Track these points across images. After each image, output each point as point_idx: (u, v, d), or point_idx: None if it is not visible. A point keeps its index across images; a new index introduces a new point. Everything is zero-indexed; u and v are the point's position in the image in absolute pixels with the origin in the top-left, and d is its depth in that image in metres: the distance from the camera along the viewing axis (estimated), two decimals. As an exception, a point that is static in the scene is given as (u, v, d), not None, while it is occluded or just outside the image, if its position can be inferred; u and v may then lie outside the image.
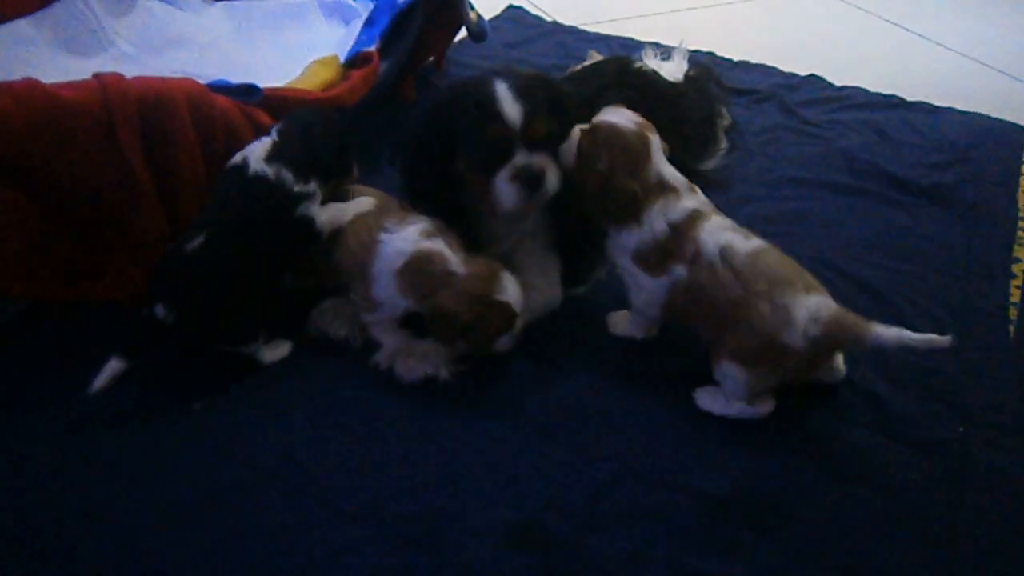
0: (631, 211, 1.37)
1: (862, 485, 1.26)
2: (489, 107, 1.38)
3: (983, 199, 1.98)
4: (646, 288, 1.41)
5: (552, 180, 1.41)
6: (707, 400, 1.37)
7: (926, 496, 1.25)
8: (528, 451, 1.29)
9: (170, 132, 1.40)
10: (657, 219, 1.36)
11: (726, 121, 2.18)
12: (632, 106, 1.77)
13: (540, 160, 1.40)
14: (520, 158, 1.39)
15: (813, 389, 1.41)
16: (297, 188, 1.38)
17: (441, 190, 1.47)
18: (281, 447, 1.28)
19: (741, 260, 1.31)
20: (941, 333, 1.53)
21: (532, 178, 1.39)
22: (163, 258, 1.36)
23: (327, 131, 1.45)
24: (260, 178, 1.36)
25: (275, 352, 1.42)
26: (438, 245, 1.38)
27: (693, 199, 1.40)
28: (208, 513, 1.18)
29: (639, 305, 1.45)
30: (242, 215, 1.36)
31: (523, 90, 1.39)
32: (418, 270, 1.37)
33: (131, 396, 1.33)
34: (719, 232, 1.35)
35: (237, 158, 1.41)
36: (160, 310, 1.30)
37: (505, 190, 1.40)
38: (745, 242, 1.34)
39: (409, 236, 1.39)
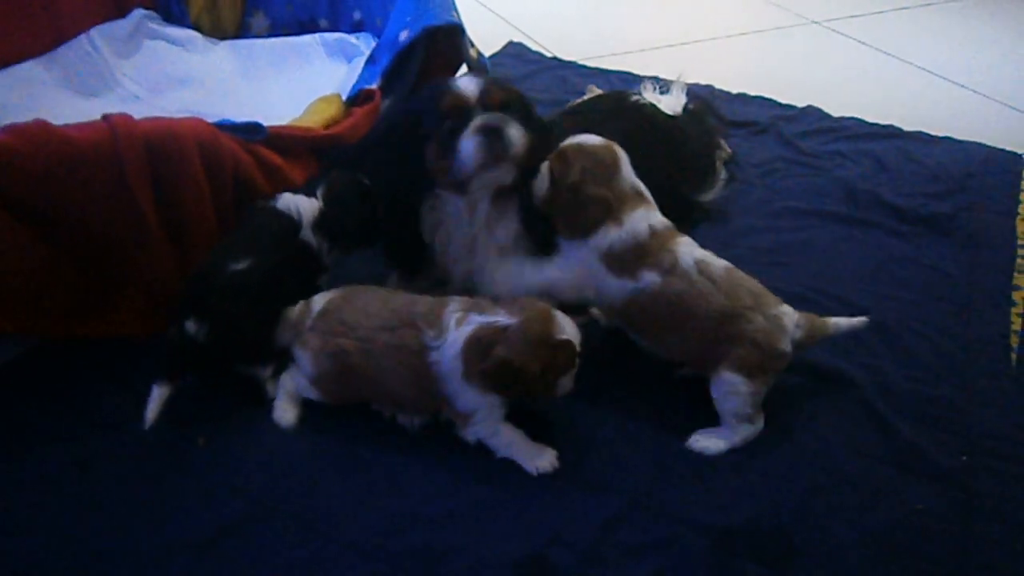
0: (604, 216, 1.39)
1: (868, 516, 1.26)
2: (444, 85, 1.47)
3: (982, 227, 1.99)
4: (605, 290, 1.42)
5: (515, 134, 1.42)
6: (705, 442, 1.37)
7: (932, 526, 1.25)
8: (535, 484, 1.29)
9: (179, 172, 1.42)
10: (640, 221, 1.39)
11: (725, 153, 2.20)
12: (630, 138, 1.80)
13: (499, 116, 1.43)
14: (479, 119, 1.42)
15: (819, 420, 1.42)
16: (329, 254, 1.53)
17: (411, 193, 1.51)
18: (285, 482, 1.28)
19: (719, 273, 1.37)
20: (944, 361, 1.57)
21: (493, 130, 1.40)
22: (199, 275, 1.40)
23: (363, 208, 1.54)
24: (305, 243, 1.49)
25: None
26: (474, 318, 1.28)
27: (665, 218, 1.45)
28: (215, 549, 1.17)
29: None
30: (282, 259, 1.45)
31: (483, 79, 1.48)
32: (475, 353, 1.25)
33: (136, 431, 1.33)
34: (693, 247, 1.41)
35: (291, 208, 1.49)
36: (191, 325, 1.34)
37: (468, 146, 1.40)
38: (716, 259, 1.41)
39: (452, 337, 1.27)
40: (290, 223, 1.48)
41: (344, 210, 1.51)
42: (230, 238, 1.47)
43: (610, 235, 1.39)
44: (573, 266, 1.43)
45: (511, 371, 1.22)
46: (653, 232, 1.39)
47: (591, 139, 1.45)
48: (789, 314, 1.37)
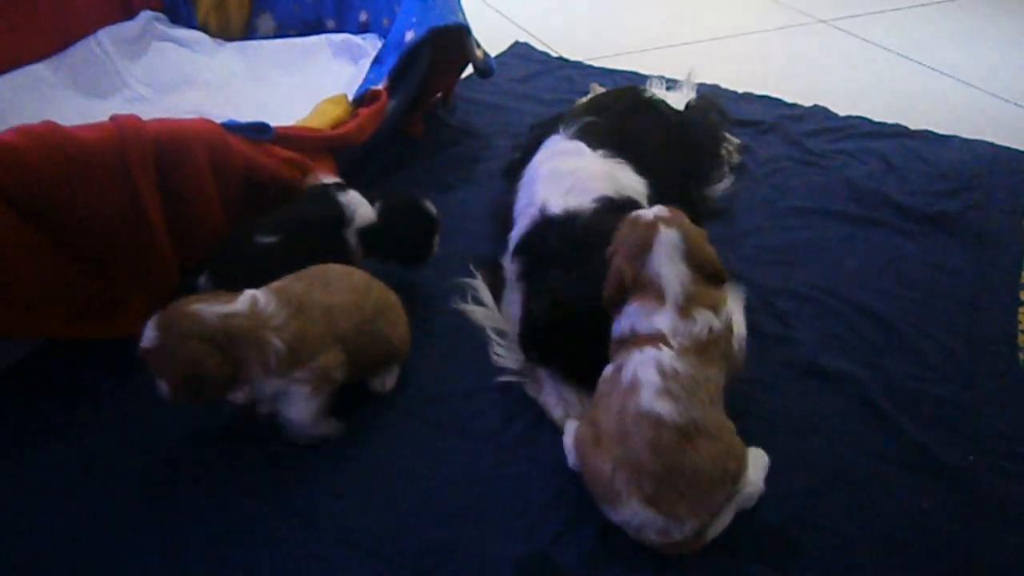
0: (619, 291, 1.26)
1: (873, 515, 1.26)
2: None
3: (989, 226, 1.99)
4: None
5: None
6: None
7: (938, 525, 1.25)
8: (538, 484, 1.29)
9: (185, 173, 1.43)
10: (631, 318, 1.24)
11: (732, 144, 2.21)
12: (642, 133, 1.82)
13: None
14: None
15: (823, 419, 1.42)
16: (363, 260, 1.54)
17: None
18: (290, 482, 1.28)
19: (633, 409, 1.15)
20: (950, 361, 1.56)
21: None
22: (226, 242, 1.48)
23: (415, 231, 1.59)
24: (344, 241, 1.52)
25: None
26: None
27: (667, 319, 1.21)
28: (219, 548, 1.18)
29: None
30: (314, 244, 1.47)
31: None
32: None
33: (141, 433, 1.34)
34: (647, 367, 1.17)
35: (348, 204, 1.52)
36: (202, 281, 1.43)
37: None
38: (657, 401, 1.13)
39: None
40: (339, 215, 1.51)
41: (397, 231, 1.56)
42: (264, 215, 1.49)
43: (622, 321, 1.26)
44: None
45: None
46: (633, 333, 1.23)
47: (648, 214, 1.28)
48: (627, 514, 1.15)
